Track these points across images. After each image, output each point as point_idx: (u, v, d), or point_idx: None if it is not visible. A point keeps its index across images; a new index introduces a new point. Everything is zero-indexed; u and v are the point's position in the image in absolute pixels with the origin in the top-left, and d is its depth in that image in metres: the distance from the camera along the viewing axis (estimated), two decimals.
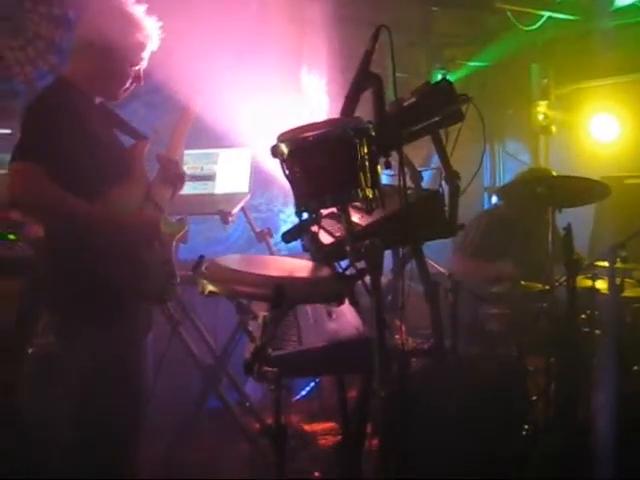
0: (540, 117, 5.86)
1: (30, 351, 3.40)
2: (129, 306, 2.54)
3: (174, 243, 2.75)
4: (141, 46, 2.60)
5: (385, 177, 2.18)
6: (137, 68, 2.63)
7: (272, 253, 4.05)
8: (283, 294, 1.86)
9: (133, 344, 2.60)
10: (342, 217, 2.01)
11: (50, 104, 2.47)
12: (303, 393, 4.04)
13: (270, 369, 1.97)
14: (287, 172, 1.97)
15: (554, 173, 4.23)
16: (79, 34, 2.61)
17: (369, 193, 1.94)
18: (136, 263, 2.53)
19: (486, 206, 6.07)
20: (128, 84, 2.64)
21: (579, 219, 4.10)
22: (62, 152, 2.39)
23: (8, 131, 3.83)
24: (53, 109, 2.44)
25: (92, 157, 2.45)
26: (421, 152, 3.95)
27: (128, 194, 2.58)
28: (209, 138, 4.00)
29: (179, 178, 2.84)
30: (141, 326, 2.66)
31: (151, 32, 2.63)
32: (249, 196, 4.11)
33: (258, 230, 4.09)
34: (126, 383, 2.54)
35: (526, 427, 3.23)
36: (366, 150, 1.93)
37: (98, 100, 2.64)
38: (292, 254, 3.78)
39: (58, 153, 2.39)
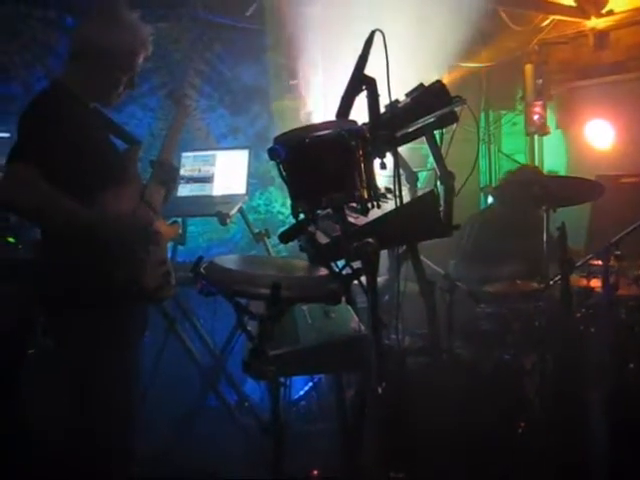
0: (535, 117, 5.89)
1: (31, 352, 3.43)
2: (126, 304, 2.58)
3: (168, 244, 2.80)
4: (135, 52, 2.64)
5: (384, 178, 2.21)
6: (131, 74, 2.66)
7: (270, 254, 4.08)
8: (279, 293, 1.88)
9: (129, 342, 2.65)
10: (338, 218, 2.04)
11: (44, 108, 2.50)
12: (302, 393, 4.06)
13: (268, 368, 2.00)
14: (284, 174, 2.00)
15: (544, 171, 4.26)
16: (74, 40, 2.65)
17: (365, 194, 1.97)
18: (134, 262, 2.57)
19: (482, 206, 6.10)
20: (121, 89, 2.67)
21: (575, 217, 4.14)
22: (57, 155, 2.42)
23: (6, 135, 3.86)
24: (47, 113, 2.48)
25: (86, 160, 2.49)
26: (419, 153, 3.99)
27: (122, 197, 2.61)
28: None
29: (172, 179, 2.89)
30: (137, 325, 2.71)
31: (145, 38, 2.66)
32: (247, 197, 4.14)
33: (256, 231, 4.11)
34: (121, 381, 2.58)
35: (522, 425, 3.27)
36: (361, 152, 1.97)
37: (92, 105, 2.68)
38: (291, 255, 3.82)
39: (52, 155, 2.42)
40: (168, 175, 2.87)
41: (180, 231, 3.00)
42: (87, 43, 2.57)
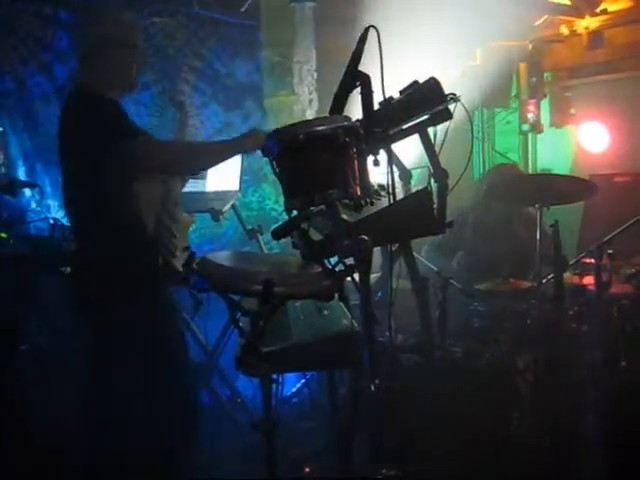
0: (529, 115, 5.90)
1: (22, 348, 3.42)
2: (163, 284, 2.79)
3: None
4: (137, 37, 2.86)
5: (381, 175, 2.21)
6: (139, 56, 2.85)
7: (263, 250, 4.08)
8: (272, 289, 1.88)
9: (172, 317, 2.86)
10: (331, 214, 2.03)
11: (84, 105, 2.70)
12: (294, 389, 4.06)
13: (260, 364, 2.00)
14: (277, 170, 2.00)
15: (537, 169, 4.28)
16: (83, 42, 2.85)
17: (358, 191, 1.97)
18: (167, 248, 2.77)
19: None
20: (137, 73, 2.86)
21: (568, 215, 4.15)
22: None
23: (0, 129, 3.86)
24: (88, 108, 2.68)
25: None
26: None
27: (153, 187, 2.78)
28: None
29: None
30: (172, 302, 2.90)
31: (138, 26, 2.99)
32: (240, 194, 4.13)
33: (249, 228, 4.11)
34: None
35: (514, 423, 3.27)
36: (355, 149, 1.96)
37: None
38: (284, 251, 3.81)
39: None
40: None
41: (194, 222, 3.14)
42: (94, 42, 2.76)
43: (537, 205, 3.55)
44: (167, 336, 2.79)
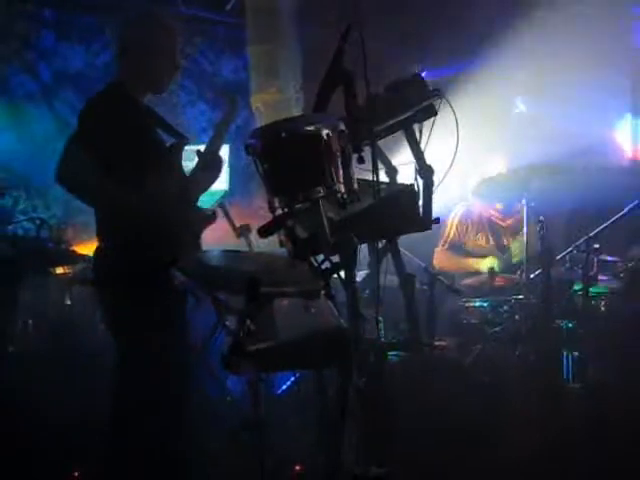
0: (516, 110, 5.93)
1: (11, 350, 3.41)
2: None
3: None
4: (171, 39, 2.85)
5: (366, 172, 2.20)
6: (173, 58, 2.85)
7: (251, 249, 4.06)
8: (258, 288, 1.88)
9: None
10: (316, 212, 2.03)
11: (99, 107, 2.73)
12: (284, 387, 4.06)
13: (247, 363, 1.99)
14: (260, 169, 1.99)
15: None
16: (118, 43, 2.87)
17: (342, 188, 1.97)
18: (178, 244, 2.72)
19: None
20: (169, 74, 2.87)
21: (556, 212, 4.16)
22: (110, 147, 2.65)
23: None
24: (105, 110, 2.71)
25: (135, 152, 2.70)
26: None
27: (165, 185, 2.80)
28: None
29: (218, 167, 3.13)
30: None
31: (176, 30, 2.90)
32: (228, 192, 4.12)
33: (237, 226, 4.10)
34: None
35: (503, 418, 3.29)
36: (338, 146, 1.96)
37: (145, 99, 2.86)
38: (272, 250, 3.80)
39: (106, 148, 2.64)
40: (214, 165, 3.09)
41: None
42: (131, 43, 2.79)
43: (522, 201, 3.57)
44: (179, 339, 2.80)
